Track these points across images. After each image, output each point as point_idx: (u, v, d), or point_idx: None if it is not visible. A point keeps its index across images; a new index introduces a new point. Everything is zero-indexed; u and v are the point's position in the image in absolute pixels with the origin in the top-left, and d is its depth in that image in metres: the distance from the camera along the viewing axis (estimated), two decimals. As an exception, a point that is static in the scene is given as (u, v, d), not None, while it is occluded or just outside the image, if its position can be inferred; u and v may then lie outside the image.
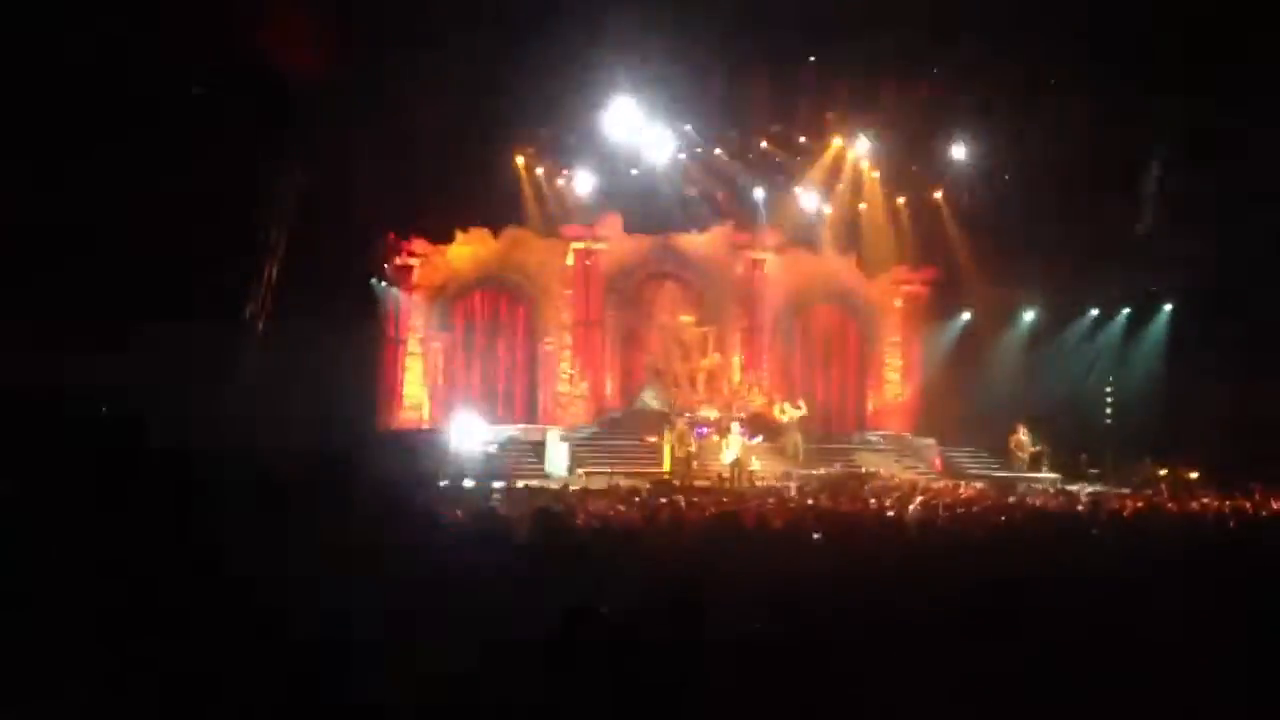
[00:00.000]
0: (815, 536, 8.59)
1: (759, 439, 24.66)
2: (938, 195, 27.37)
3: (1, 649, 3.59)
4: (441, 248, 27.00)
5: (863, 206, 27.93)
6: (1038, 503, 16.86)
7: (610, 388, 28.55)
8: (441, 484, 18.50)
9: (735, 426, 24.20)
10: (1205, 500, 17.34)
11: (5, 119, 15.34)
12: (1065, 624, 5.29)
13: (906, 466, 25.79)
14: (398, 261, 26.56)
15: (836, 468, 24.36)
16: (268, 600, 4.03)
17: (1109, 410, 27.73)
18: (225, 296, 19.82)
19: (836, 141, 26.34)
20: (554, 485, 19.49)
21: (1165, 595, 5.95)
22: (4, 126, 15.40)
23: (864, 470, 24.14)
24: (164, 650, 3.68)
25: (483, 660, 4.19)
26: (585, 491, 17.10)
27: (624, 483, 19.21)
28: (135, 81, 16.47)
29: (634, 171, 26.29)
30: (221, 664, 3.71)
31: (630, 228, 27.80)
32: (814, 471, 23.41)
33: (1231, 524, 12.64)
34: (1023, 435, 25.99)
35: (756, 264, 29.33)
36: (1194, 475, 22.80)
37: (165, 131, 17.44)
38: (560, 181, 26.23)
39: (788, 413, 25.92)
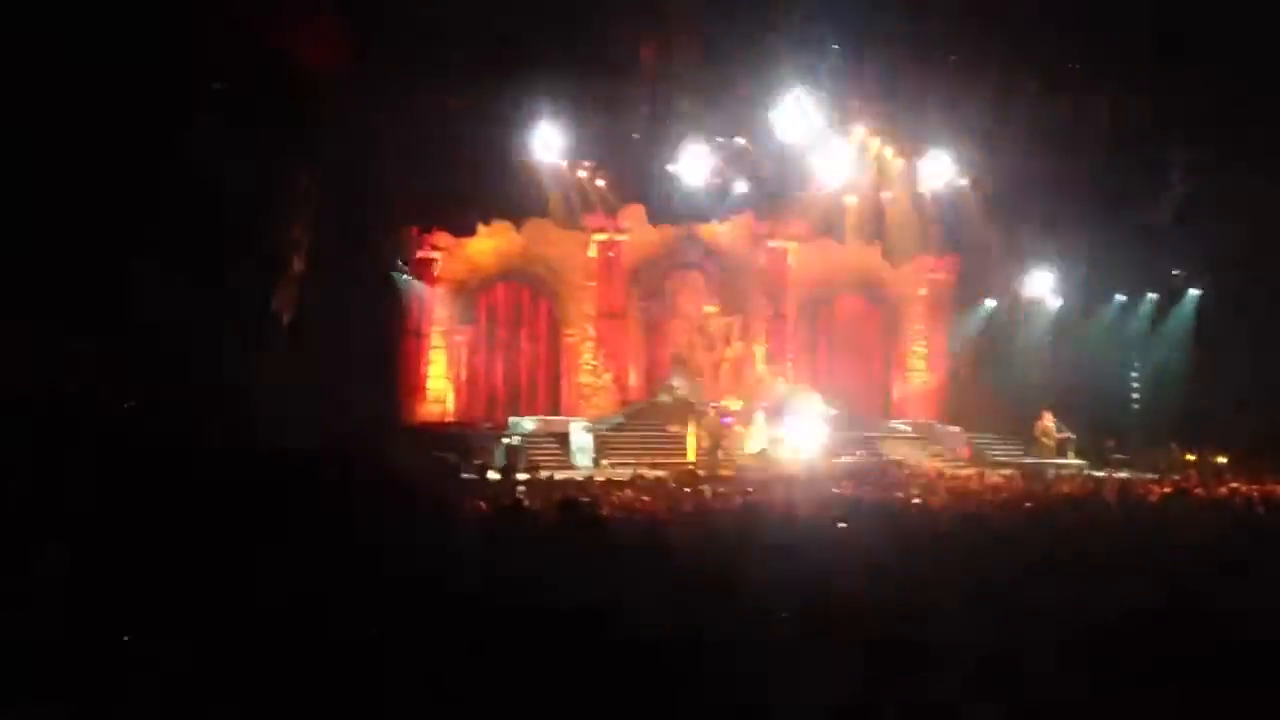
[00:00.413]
0: (841, 525, 8.57)
1: (784, 429, 24.60)
2: (963, 183, 27.19)
3: (3, 649, 3.60)
4: (464, 241, 27.01)
5: (886, 195, 27.79)
6: (1065, 489, 16.76)
7: (634, 379, 28.58)
8: (465, 476, 18.57)
9: (760, 416, 24.16)
10: (1234, 485, 17.22)
11: (23, 117, 15.41)
12: (1093, 608, 5.25)
13: (933, 454, 25.71)
14: (420, 255, 26.62)
15: (861, 456, 24.32)
16: (279, 597, 4.04)
17: (1135, 396, 27.57)
18: (249, 293, 19.90)
19: (860, 129, 26.18)
20: (578, 476, 19.51)
21: (1190, 580, 5.91)
22: (22, 125, 15.47)
23: (890, 459, 24.10)
24: (170, 649, 3.68)
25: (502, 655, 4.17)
26: (610, 482, 17.11)
27: (649, 473, 19.21)
28: (154, 79, 16.52)
29: (656, 162, 26.22)
30: (227, 661, 3.71)
31: (653, 218, 27.76)
32: (840, 460, 23.38)
33: (1260, 509, 12.56)
34: (1049, 422, 25.84)
35: (780, 253, 29.28)
36: (1222, 460, 22.66)
37: (186, 129, 17.50)
38: (582, 173, 26.19)
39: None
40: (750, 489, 16.63)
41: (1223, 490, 16.27)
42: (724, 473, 21.55)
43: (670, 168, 26.20)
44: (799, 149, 26.16)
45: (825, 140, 25.98)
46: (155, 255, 16.77)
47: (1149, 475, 21.35)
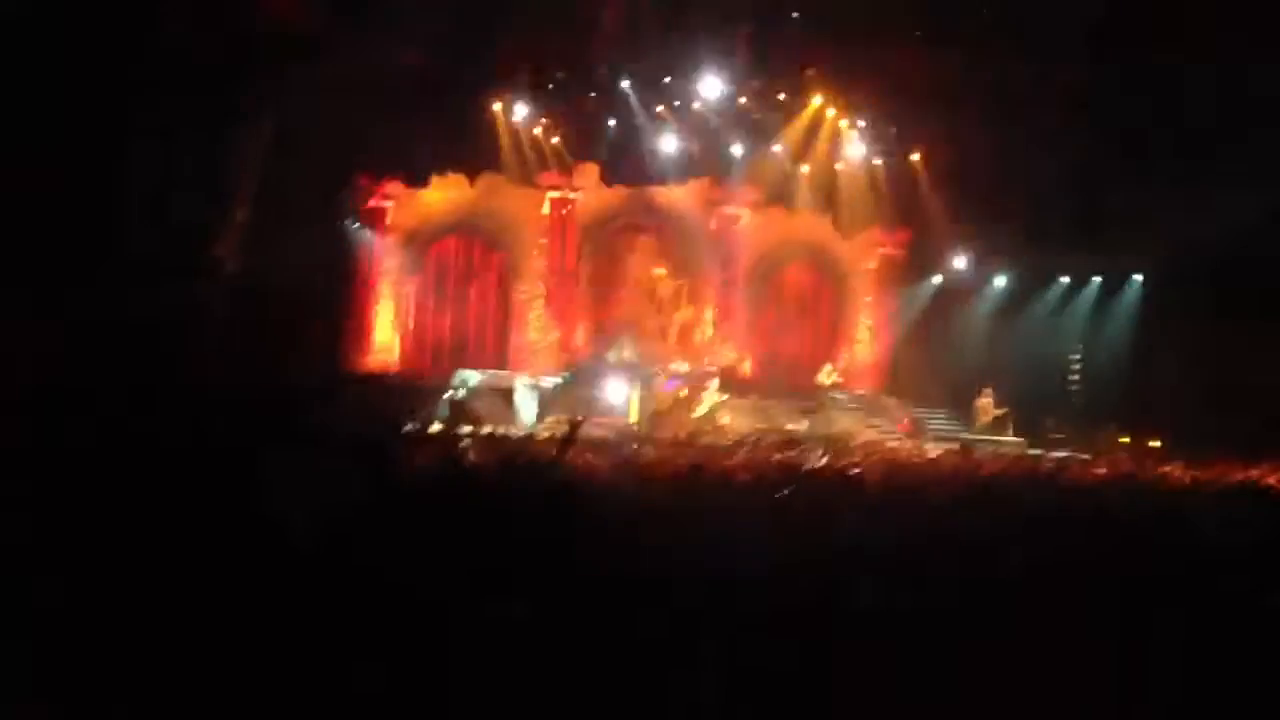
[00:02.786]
0: (784, 492, 8.61)
1: (725, 396, 24.72)
2: (915, 158, 27.33)
3: None
4: (416, 191, 26.81)
5: (840, 166, 27.87)
6: (1001, 466, 16.93)
7: (582, 338, 28.56)
8: (407, 428, 18.45)
9: (714, 384, 24.27)
10: (1168, 469, 17.48)
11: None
12: (1023, 582, 5.33)
13: (871, 425, 25.94)
14: (371, 204, 26.38)
15: (805, 425, 24.49)
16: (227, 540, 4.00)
17: (1075, 377, 27.94)
18: (193, 239, 19.62)
19: (816, 100, 26.21)
20: (521, 433, 19.50)
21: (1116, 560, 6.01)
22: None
23: (823, 429, 24.29)
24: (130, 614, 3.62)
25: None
26: (553, 439, 17.08)
27: (592, 433, 19.20)
28: (100, 20, 16.18)
29: (612, 122, 26.16)
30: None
31: (607, 179, 27.69)
32: (783, 427, 23.54)
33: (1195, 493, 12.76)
34: (987, 399, 26.18)
35: (732, 219, 29.31)
36: (1156, 444, 23.03)
37: (132, 71, 17.17)
38: (538, 130, 26.05)
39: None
40: (691, 452, 16.68)
41: (1158, 472, 16.52)
42: (667, 435, 21.61)
43: (626, 129, 26.14)
44: (755, 116, 26.21)
45: (780, 108, 26.05)
46: (95, 195, 16.48)
47: (1083, 456, 21.65)
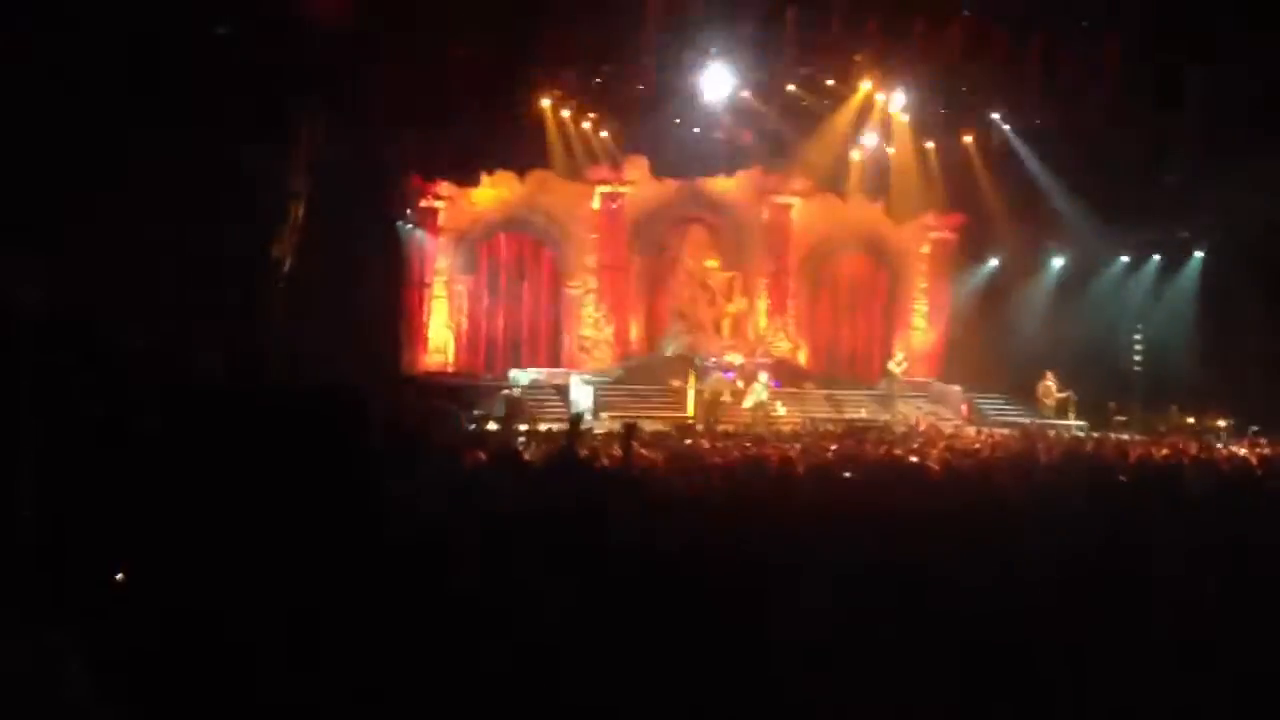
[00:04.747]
0: (846, 475, 8.58)
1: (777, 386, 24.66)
2: (967, 140, 27.01)
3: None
4: (467, 190, 26.92)
5: (891, 151, 27.62)
6: (1064, 450, 16.72)
7: (635, 332, 28.54)
8: (469, 427, 18.57)
9: (764, 376, 24.23)
10: (1233, 448, 17.22)
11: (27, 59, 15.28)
12: (1082, 566, 5.26)
13: (931, 412, 25.72)
14: (423, 204, 26.51)
15: (862, 414, 24.34)
16: (277, 536, 4.02)
17: (1138, 358, 27.50)
18: (251, 237, 19.83)
19: (866, 85, 25.96)
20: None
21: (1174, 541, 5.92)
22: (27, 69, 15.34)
23: (889, 417, 24.14)
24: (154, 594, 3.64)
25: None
26: (610, 435, 17.09)
27: (648, 426, 19.19)
28: (157, 21, 16.38)
29: (660, 115, 26.05)
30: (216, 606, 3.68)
31: (657, 171, 27.64)
32: (840, 417, 23.43)
33: (1259, 472, 12.55)
34: (1050, 382, 25.84)
35: (783, 208, 29.13)
36: (1222, 424, 22.67)
37: (190, 72, 17.37)
38: (586, 124, 26.03)
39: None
40: (748, 444, 16.62)
41: (1223, 452, 16.27)
42: (723, 428, 21.56)
43: (675, 120, 26.05)
44: (804, 104, 26.02)
45: (830, 95, 25.84)
46: (154, 196, 16.69)
47: (1149, 437, 21.36)
